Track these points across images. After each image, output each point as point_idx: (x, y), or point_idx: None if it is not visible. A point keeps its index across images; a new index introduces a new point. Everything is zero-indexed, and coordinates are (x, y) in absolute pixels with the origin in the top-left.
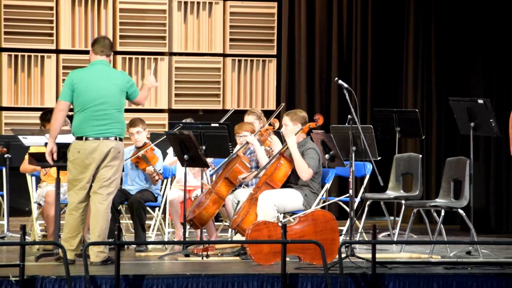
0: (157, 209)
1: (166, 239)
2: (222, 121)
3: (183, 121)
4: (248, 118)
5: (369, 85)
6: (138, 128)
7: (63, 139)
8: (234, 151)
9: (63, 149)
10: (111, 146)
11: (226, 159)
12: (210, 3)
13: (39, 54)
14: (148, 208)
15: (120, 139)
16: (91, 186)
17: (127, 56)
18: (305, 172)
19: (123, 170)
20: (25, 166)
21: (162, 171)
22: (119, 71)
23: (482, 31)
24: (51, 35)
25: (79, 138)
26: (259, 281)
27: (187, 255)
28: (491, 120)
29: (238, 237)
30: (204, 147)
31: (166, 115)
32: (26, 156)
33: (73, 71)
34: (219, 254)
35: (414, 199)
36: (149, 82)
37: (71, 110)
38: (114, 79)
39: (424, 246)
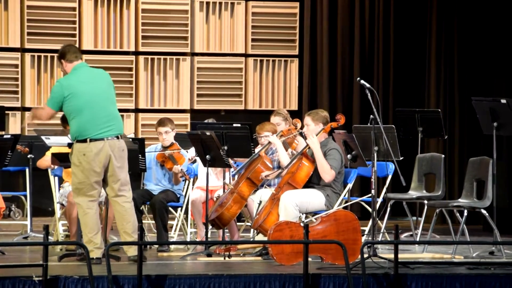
0: (179, 209)
1: (188, 239)
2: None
3: (205, 121)
4: (274, 119)
5: (391, 85)
6: (167, 128)
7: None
8: (256, 152)
9: None
10: (115, 146)
11: (248, 159)
12: (232, 3)
13: None
14: (170, 208)
15: (121, 136)
16: (104, 183)
17: (149, 57)
18: (327, 173)
19: (145, 170)
20: (42, 162)
21: (188, 171)
22: (99, 69)
23: (505, 31)
24: (73, 35)
25: (81, 141)
26: (281, 281)
27: (209, 255)
28: None
29: (260, 237)
30: (226, 148)
31: (188, 115)
32: (47, 153)
33: (59, 80)
34: (241, 254)
35: (436, 199)
36: None
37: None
38: (100, 76)
39: (446, 246)
